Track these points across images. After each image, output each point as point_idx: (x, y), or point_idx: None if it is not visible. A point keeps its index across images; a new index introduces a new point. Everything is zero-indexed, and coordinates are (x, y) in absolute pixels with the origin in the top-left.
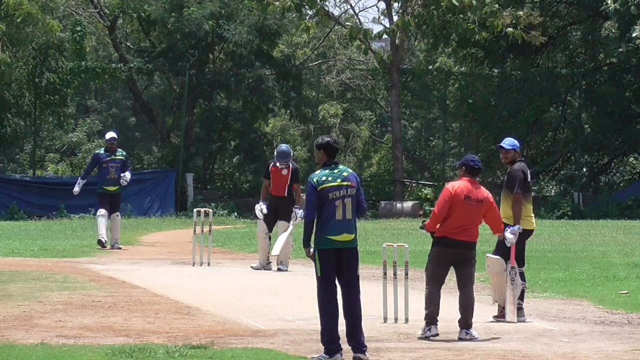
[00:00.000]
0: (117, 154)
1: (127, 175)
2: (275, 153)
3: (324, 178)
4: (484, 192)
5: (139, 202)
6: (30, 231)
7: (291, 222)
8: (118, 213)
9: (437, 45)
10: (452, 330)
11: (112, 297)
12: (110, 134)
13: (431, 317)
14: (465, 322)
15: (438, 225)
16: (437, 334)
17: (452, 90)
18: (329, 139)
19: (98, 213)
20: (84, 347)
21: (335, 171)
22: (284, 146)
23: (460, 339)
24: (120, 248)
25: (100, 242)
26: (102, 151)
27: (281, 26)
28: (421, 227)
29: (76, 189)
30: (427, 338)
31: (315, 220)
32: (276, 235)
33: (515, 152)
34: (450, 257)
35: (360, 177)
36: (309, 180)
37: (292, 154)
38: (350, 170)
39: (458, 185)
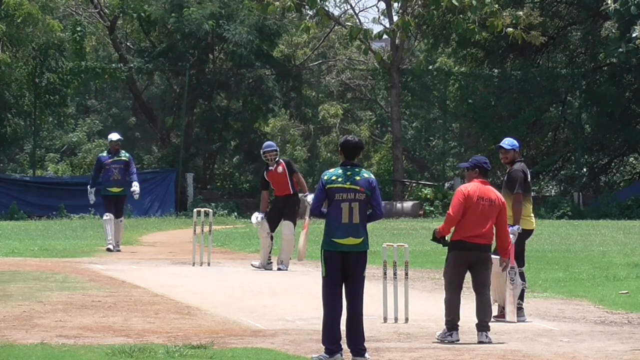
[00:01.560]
0: (121, 155)
1: (137, 188)
2: (262, 153)
3: (333, 178)
4: (495, 192)
5: (139, 202)
6: (30, 231)
7: (307, 211)
8: (122, 219)
9: (437, 45)
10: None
11: (112, 297)
12: (115, 135)
13: (452, 324)
14: (484, 325)
15: (452, 230)
16: (458, 340)
17: (452, 90)
18: (349, 138)
19: (104, 217)
20: (84, 347)
21: (348, 173)
22: (268, 142)
23: (480, 342)
24: (119, 251)
25: (108, 250)
26: (104, 153)
27: (281, 26)
28: (432, 239)
29: (92, 198)
30: (447, 343)
31: (325, 220)
32: (279, 234)
33: (514, 152)
34: (467, 259)
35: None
36: (321, 176)
37: (277, 147)
38: (367, 175)
39: (471, 187)
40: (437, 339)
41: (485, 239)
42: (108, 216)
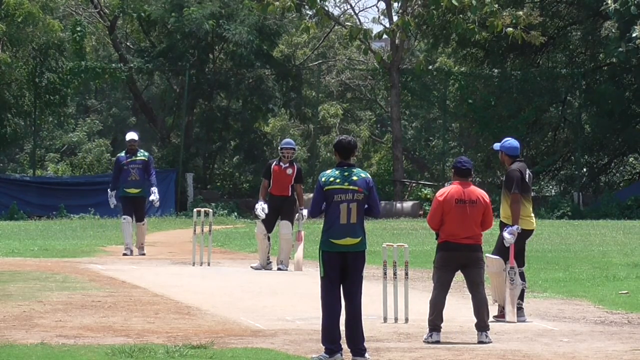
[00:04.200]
0: (139, 154)
1: (155, 197)
2: (279, 147)
3: (331, 179)
4: (477, 192)
5: None
6: (30, 231)
7: (300, 224)
8: (144, 222)
9: (437, 45)
10: (452, 330)
11: (112, 297)
12: (130, 135)
13: (434, 324)
14: (483, 325)
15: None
16: (438, 341)
17: (452, 90)
18: (341, 138)
19: (122, 220)
20: (84, 347)
21: (345, 174)
22: (289, 139)
23: (480, 342)
24: (144, 254)
25: (125, 255)
26: (122, 153)
27: (281, 26)
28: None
29: (112, 202)
30: (428, 343)
31: (323, 220)
32: (276, 234)
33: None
34: (455, 260)
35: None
36: (319, 178)
37: (295, 146)
38: (364, 175)
39: (448, 191)
40: (424, 341)
41: (472, 239)
42: (126, 219)
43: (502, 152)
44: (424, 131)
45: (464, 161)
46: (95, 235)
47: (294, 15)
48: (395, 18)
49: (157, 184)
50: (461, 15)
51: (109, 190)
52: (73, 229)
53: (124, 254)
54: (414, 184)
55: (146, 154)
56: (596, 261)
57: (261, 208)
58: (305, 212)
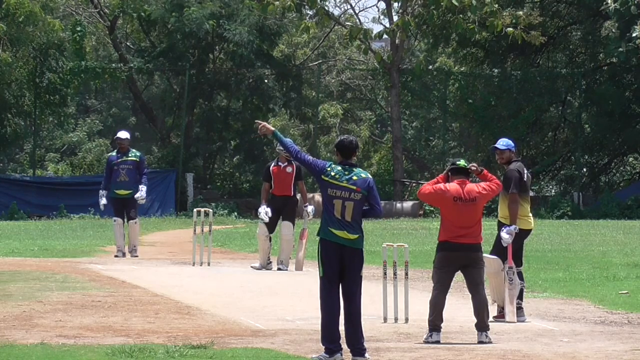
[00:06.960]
0: (130, 154)
1: (142, 194)
2: (277, 148)
3: (332, 173)
4: (475, 189)
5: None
6: (30, 231)
7: (305, 222)
8: (136, 220)
9: (437, 45)
10: (452, 330)
11: (112, 297)
12: (122, 134)
13: (434, 324)
14: (483, 325)
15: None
16: (438, 341)
17: (452, 90)
18: (343, 138)
19: (113, 222)
20: (84, 347)
21: (346, 172)
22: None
23: (480, 342)
24: (137, 256)
25: (117, 257)
26: (114, 153)
27: (281, 26)
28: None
29: (102, 202)
30: (428, 343)
31: (322, 212)
32: (277, 235)
33: (510, 152)
34: (455, 261)
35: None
36: (325, 162)
37: None
38: (364, 175)
39: (447, 185)
40: (423, 341)
41: (472, 238)
42: (116, 221)
43: (510, 151)
44: (424, 131)
45: (454, 161)
46: (95, 235)
47: (294, 15)
48: (395, 18)
49: (158, 184)
50: (461, 15)
51: (100, 190)
52: (73, 229)
53: (116, 256)
54: (414, 184)
55: (138, 153)
56: (596, 261)
57: (264, 212)
58: (310, 208)
